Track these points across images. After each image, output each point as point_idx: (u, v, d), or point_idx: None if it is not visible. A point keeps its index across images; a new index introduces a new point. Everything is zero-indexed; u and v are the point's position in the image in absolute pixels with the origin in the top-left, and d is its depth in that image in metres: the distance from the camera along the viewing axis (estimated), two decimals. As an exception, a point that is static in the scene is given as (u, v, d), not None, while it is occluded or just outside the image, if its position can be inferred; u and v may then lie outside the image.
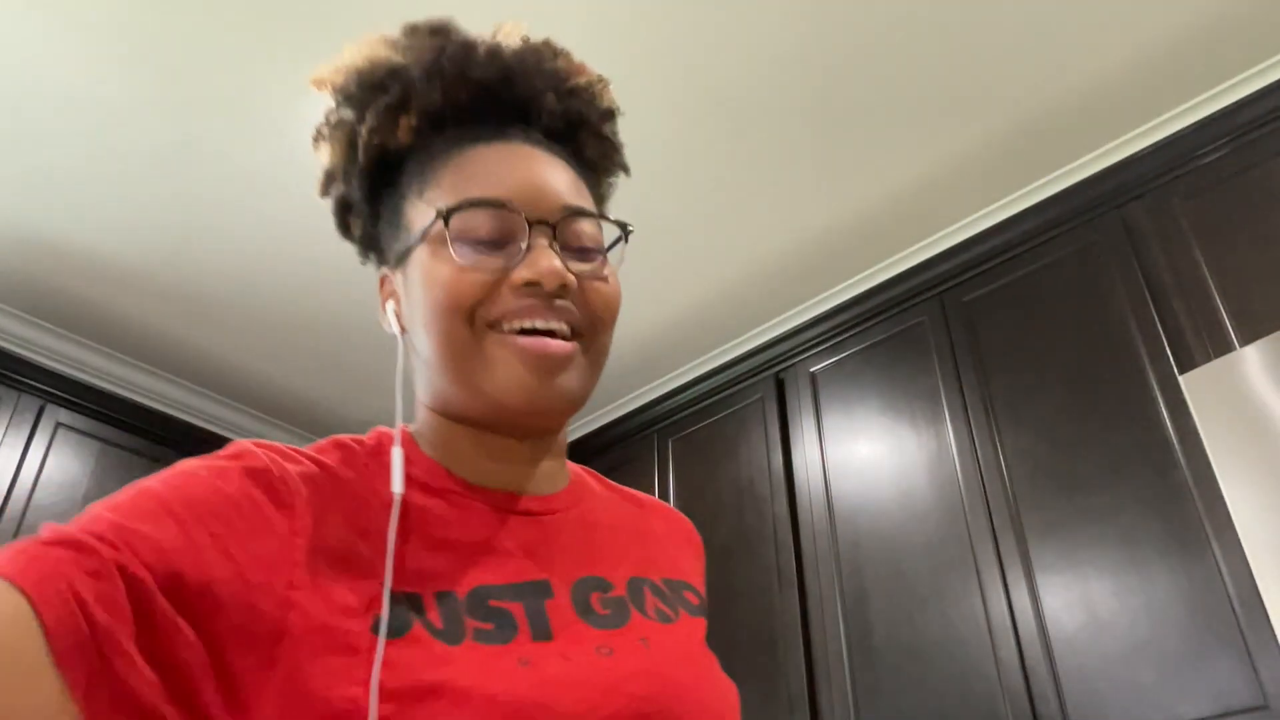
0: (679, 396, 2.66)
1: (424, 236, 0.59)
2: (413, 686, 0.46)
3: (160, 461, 2.71)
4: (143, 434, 2.71)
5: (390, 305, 0.64)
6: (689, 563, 0.69)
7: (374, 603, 0.49)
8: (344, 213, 0.68)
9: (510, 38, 0.68)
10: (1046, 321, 1.97)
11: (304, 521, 0.50)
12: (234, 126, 2.22)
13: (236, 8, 1.96)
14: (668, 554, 0.67)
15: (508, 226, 0.58)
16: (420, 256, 0.60)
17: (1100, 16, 1.98)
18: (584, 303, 0.59)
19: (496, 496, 0.60)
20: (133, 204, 2.42)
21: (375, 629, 0.48)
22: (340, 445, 0.58)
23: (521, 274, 0.56)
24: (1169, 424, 1.71)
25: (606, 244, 0.64)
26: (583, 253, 0.60)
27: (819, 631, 2.06)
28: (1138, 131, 2.23)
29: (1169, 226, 1.86)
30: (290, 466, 0.52)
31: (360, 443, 0.59)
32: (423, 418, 0.63)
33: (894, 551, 2.01)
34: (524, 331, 0.57)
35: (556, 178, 0.61)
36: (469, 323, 0.57)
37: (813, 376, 2.37)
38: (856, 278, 2.69)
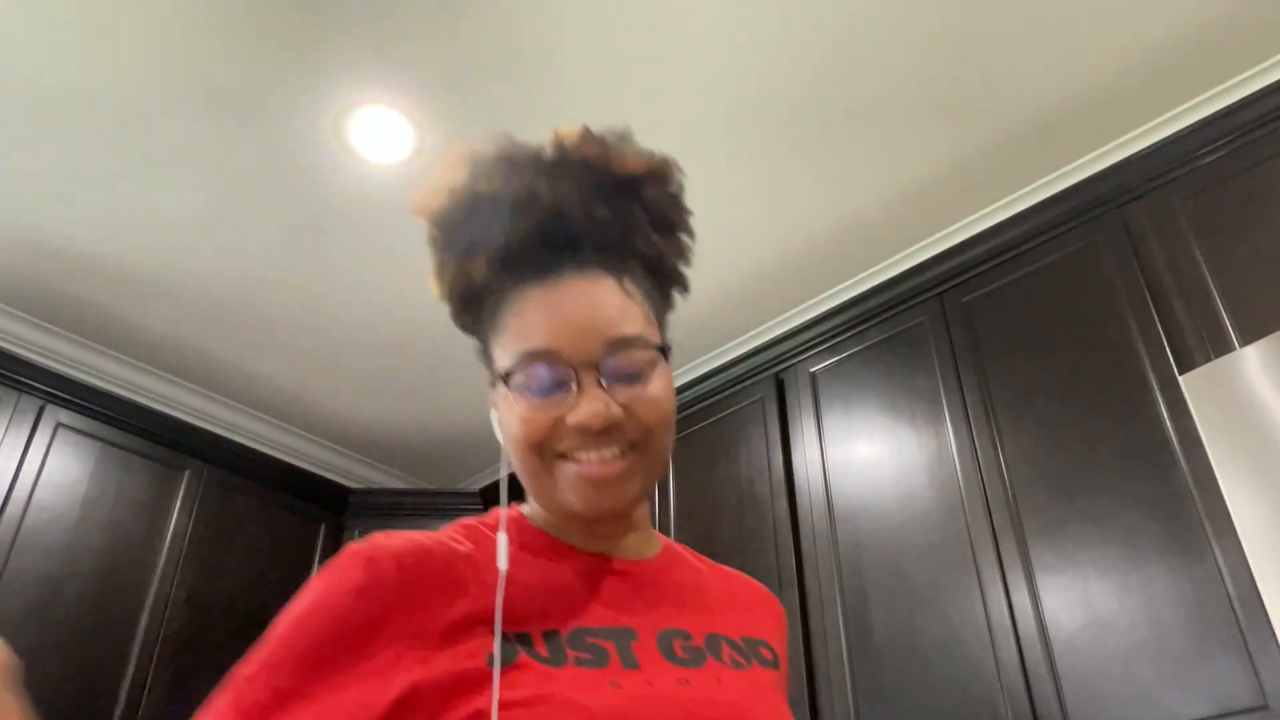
0: (679, 396, 2.66)
1: (497, 383, 0.71)
2: (526, 698, 0.59)
3: (160, 462, 2.72)
4: (143, 434, 2.71)
5: (494, 414, 0.75)
6: (767, 626, 0.78)
7: (488, 645, 0.62)
8: (466, 332, 0.79)
9: (569, 141, 0.74)
10: (1046, 322, 1.97)
11: (406, 619, 0.63)
12: (236, 128, 2.22)
13: (239, 9, 1.96)
14: (746, 617, 0.77)
15: (559, 374, 0.68)
16: (502, 392, 0.71)
17: (1100, 17, 1.98)
18: (635, 422, 0.69)
19: (592, 558, 0.72)
20: (133, 205, 2.42)
21: (489, 663, 0.60)
22: (467, 527, 0.72)
23: (573, 419, 0.67)
24: (1169, 424, 1.70)
25: (658, 340, 0.73)
26: (631, 377, 0.69)
27: (819, 631, 2.06)
28: (1138, 131, 2.23)
29: (1169, 226, 1.86)
30: (391, 567, 0.64)
31: (485, 523, 0.73)
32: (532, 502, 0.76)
33: (894, 552, 2.01)
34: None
35: (600, 312, 0.70)
36: (540, 455, 0.68)
37: (813, 376, 2.37)
38: (856, 278, 2.69)
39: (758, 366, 2.50)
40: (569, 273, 0.71)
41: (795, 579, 2.15)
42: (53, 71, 2.09)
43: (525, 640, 0.63)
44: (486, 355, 0.75)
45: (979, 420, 1.98)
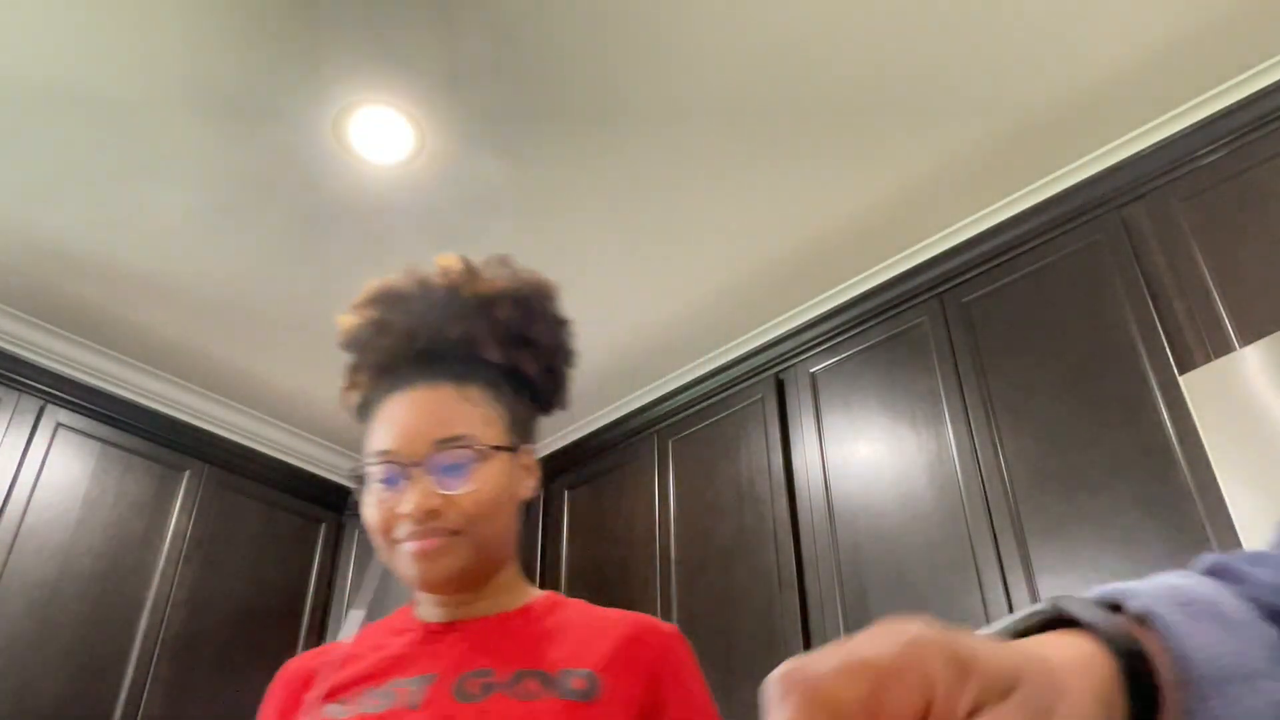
0: (679, 396, 2.66)
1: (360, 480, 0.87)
2: None
3: (160, 462, 2.72)
4: (143, 434, 2.71)
5: None
6: (609, 653, 0.83)
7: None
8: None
9: (438, 273, 0.90)
10: (1046, 321, 1.97)
11: (281, 707, 0.86)
12: (236, 128, 2.22)
13: (239, 9, 1.96)
14: (581, 651, 0.83)
15: (393, 471, 0.83)
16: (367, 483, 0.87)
17: (1100, 17, 1.98)
18: (456, 511, 0.82)
19: (434, 625, 0.86)
20: (133, 205, 2.43)
21: None
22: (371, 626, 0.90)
23: (400, 509, 0.81)
24: (1169, 424, 1.70)
25: (486, 454, 0.85)
26: (455, 469, 0.83)
27: (819, 632, 2.06)
28: (1138, 131, 2.23)
29: (1169, 226, 1.86)
30: (275, 683, 0.89)
31: (386, 620, 0.90)
32: None
33: (894, 552, 2.01)
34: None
35: (432, 417, 0.84)
36: (385, 538, 0.83)
37: (813, 377, 2.37)
38: (856, 278, 2.69)
39: (758, 366, 2.50)
40: (420, 384, 0.86)
41: (795, 579, 2.15)
42: (51, 71, 2.09)
43: (343, 701, 0.79)
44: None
45: (979, 420, 1.98)
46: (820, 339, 2.38)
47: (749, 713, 2.10)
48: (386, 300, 0.90)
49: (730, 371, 2.56)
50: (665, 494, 2.57)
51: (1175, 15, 1.97)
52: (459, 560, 0.82)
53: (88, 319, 2.82)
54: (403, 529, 0.81)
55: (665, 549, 2.49)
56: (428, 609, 0.88)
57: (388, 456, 0.83)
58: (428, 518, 0.81)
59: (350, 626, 0.88)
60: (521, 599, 0.89)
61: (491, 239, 2.52)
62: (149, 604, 2.55)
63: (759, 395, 2.47)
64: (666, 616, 2.39)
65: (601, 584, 2.61)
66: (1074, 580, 1.72)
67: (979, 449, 1.96)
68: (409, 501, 0.81)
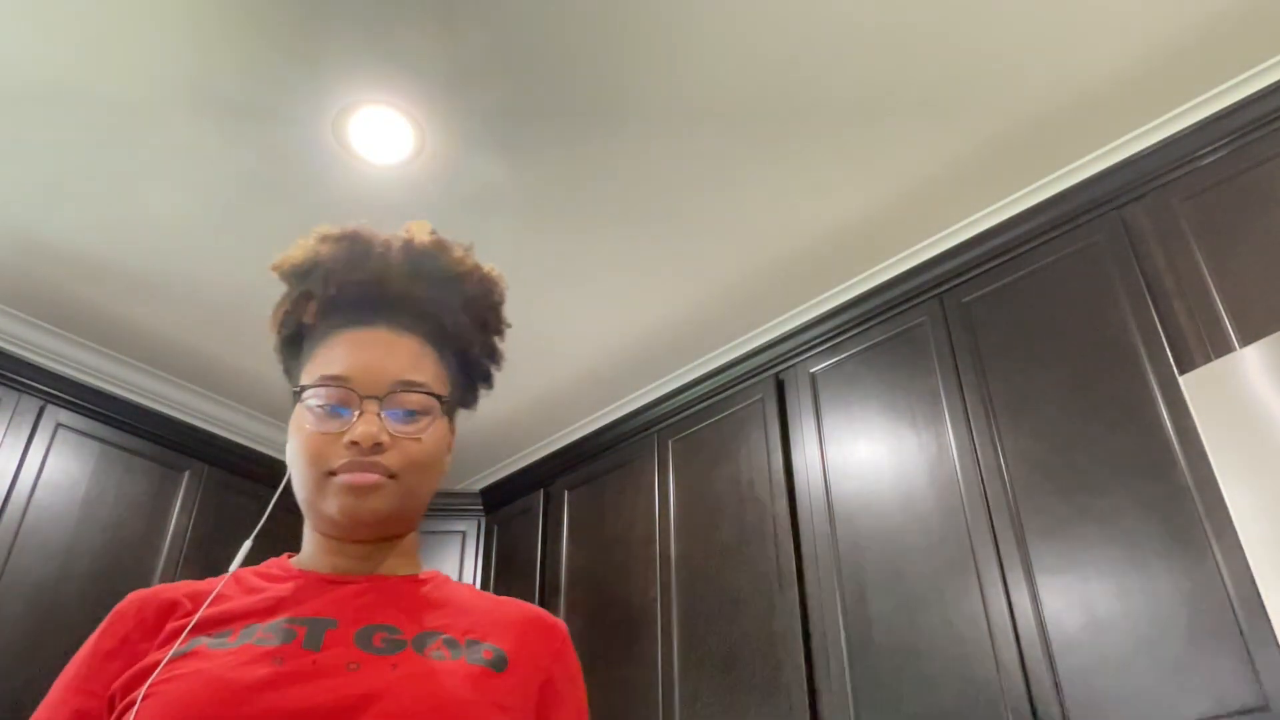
0: (679, 397, 2.66)
1: (295, 400, 0.84)
2: (175, 676, 0.68)
3: (160, 462, 2.72)
4: (143, 434, 2.71)
5: (289, 440, 0.86)
6: (514, 639, 0.82)
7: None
8: (285, 369, 0.93)
9: (416, 235, 0.89)
10: (1046, 322, 1.97)
11: (129, 634, 0.77)
12: (236, 128, 2.22)
13: (239, 9, 1.96)
14: (486, 629, 0.81)
15: (344, 397, 0.80)
16: (296, 411, 0.83)
17: (1100, 17, 1.98)
18: (399, 454, 0.80)
19: (327, 575, 0.82)
20: (134, 205, 2.43)
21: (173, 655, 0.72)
22: (235, 576, 0.84)
23: (348, 436, 0.79)
24: (1169, 424, 1.71)
25: (440, 409, 0.84)
26: (407, 415, 0.81)
27: (819, 632, 2.06)
28: (1138, 132, 2.23)
29: (1169, 226, 1.86)
30: (127, 606, 0.80)
31: (252, 569, 0.86)
32: (303, 538, 0.87)
33: (894, 552, 2.01)
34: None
35: (395, 359, 0.83)
36: (316, 468, 0.79)
37: (813, 377, 2.37)
38: (856, 278, 2.69)
39: (758, 367, 2.50)
40: (380, 325, 0.85)
41: (795, 579, 2.15)
42: (52, 72, 2.09)
43: (222, 634, 0.74)
44: (293, 381, 0.88)
45: (979, 421, 1.98)
46: (820, 339, 2.38)
47: (750, 712, 2.10)
48: (359, 241, 0.87)
49: (730, 371, 2.56)
50: (665, 494, 2.57)
51: (1175, 15, 1.97)
52: (388, 503, 0.79)
53: (88, 319, 2.82)
54: (339, 459, 0.78)
55: (665, 549, 2.49)
56: (321, 558, 0.84)
57: (342, 383, 0.80)
58: (374, 450, 0.78)
59: (237, 560, 0.85)
60: (416, 569, 0.88)
61: (492, 239, 2.52)
62: (149, 604, 2.55)
63: (759, 395, 2.47)
64: (667, 616, 2.39)
65: (601, 584, 2.61)
66: (1074, 580, 1.72)
67: (979, 449, 1.96)
68: (360, 429, 0.78)
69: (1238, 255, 1.73)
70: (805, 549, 2.18)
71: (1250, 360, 1.55)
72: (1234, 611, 1.52)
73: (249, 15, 1.98)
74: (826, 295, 2.74)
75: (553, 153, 2.30)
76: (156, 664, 0.70)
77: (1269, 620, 1.45)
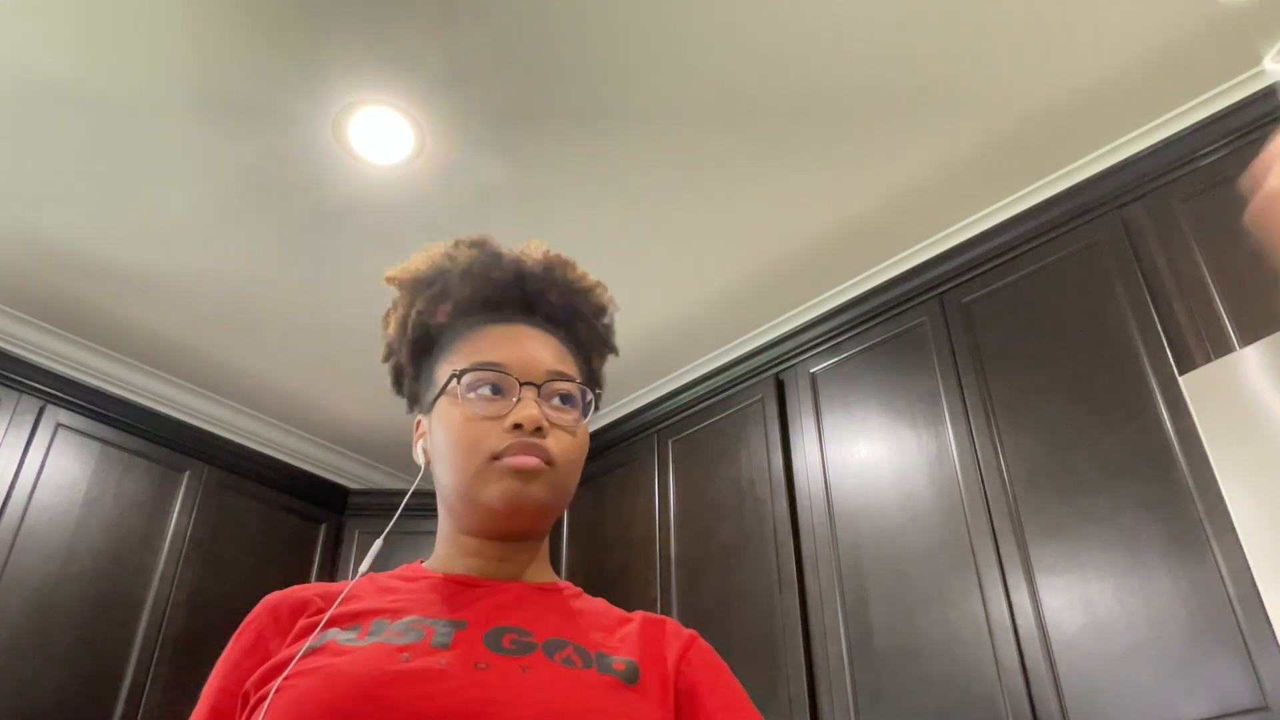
0: (679, 397, 2.66)
1: (444, 390, 0.82)
2: (305, 670, 0.68)
3: (160, 462, 2.72)
4: (143, 434, 2.71)
5: (420, 443, 0.86)
6: (645, 648, 0.80)
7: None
8: (397, 374, 0.91)
9: (534, 251, 0.90)
10: (1046, 322, 1.97)
11: (263, 632, 0.77)
12: (236, 128, 2.22)
13: (239, 9, 1.96)
14: (615, 642, 0.80)
15: (504, 382, 0.80)
16: (442, 405, 0.82)
17: (1100, 17, 1.98)
18: (556, 443, 0.79)
19: (459, 577, 0.80)
20: (134, 205, 2.43)
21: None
22: (369, 576, 0.83)
23: (512, 418, 0.77)
24: (1169, 425, 1.70)
25: (584, 406, 0.84)
26: (564, 401, 0.82)
27: (819, 632, 2.06)
28: (1138, 132, 2.23)
29: (1169, 226, 1.86)
30: (262, 609, 0.79)
31: (386, 573, 0.85)
32: (436, 543, 0.86)
33: (894, 552, 2.01)
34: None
35: (546, 351, 0.83)
36: (476, 453, 0.77)
37: (813, 377, 2.37)
38: (856, 278, 2.69)
39: (758, 367, 2.50)
40: (521, 323, 0.85)
41: (795, 579, 2.15)
42: (52, 72, 2.09)
43: (353, 629, 0.73)
44: (424, 383, 0.87)
45: (979, 421, 1.98)
46: (820, 339, 2.38)
47: (749, 713, 2.09)
48: (490, 245, 0.89)
49: (730, 371, 2.56)
50: (665, 494, 2.57)
51: (1175, 15, 1.97)
52: (547, 492, 0.78)
53: (88, 319, 2.82)
54: (502, 443, 0.77)
55: (665, 549, 2.49)
56: (457, 560, 0.82)
57: (500, 369, 0.80)
58: (536, 434, 0.77)
59: (369, 560, 0.83)
60: (550, 576, 0.86)
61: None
62: (149, 604, 2.55)
63: (759, 395, 2.47)
64: (666, 616, 2.39)
65: (601, 584, 2.61)
66: (1074, 580, 1.72)
67: (979, 449, 1.96)
68: (524, 411, 0.77)
69: (1238, 255, 1.73)
70: (805, 549, 2.18)
71: (1250, 360, 1.55)
72: (1234, 611, 1.52)
73: (249, 15, 1.98)
74: (826, 295, 2.74)
75: (552, 153, 2.30)
76: (288, 660, 0.71)
77: (1269, 620, 1.45)
